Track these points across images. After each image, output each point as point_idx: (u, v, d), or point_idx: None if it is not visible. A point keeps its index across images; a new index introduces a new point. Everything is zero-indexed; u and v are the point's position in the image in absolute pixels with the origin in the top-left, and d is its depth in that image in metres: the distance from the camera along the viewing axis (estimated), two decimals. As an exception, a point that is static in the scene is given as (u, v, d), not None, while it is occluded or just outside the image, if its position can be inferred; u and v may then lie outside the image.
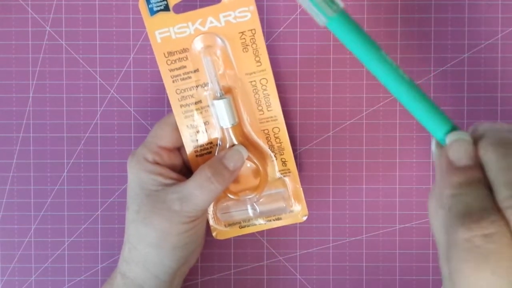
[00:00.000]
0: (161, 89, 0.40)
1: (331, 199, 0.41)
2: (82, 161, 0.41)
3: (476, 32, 0.40)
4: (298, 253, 0.41)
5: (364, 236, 0.41)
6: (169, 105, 0.40)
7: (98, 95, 0.40)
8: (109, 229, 0.41)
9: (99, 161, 0.41)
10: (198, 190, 0.34)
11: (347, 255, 0.41)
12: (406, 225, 0.41)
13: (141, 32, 0.40)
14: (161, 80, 0.40)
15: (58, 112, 0.41)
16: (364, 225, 0.41)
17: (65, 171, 0.41)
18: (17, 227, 0.41)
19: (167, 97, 0.40)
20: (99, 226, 0.41)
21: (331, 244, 0.41)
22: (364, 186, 0.41)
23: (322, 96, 0.40)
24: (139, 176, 0.35)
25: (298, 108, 0.40)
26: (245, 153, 0.35)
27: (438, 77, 0.40)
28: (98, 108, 0.41)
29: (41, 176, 0.41)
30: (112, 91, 0.40)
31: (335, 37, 0.40)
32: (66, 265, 0.41)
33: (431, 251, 0.41)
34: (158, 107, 0.40)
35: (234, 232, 0.39)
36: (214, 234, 0.39)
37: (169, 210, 0.34)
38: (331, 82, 0.40)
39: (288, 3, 0.40)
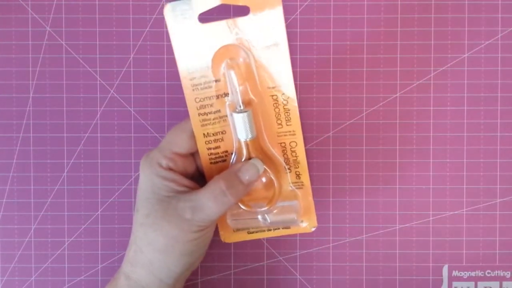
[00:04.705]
0: (161, 89, 0.40)
1: (331, 199, 0.41)
2: (82, 161, 0.41)
3: (476, 32, 0.40)
4: (298, 253, 0.41)
5: (364, 236, 0.41)
6: (169, 105, 0.40)
7: (98, 95, 0.40)
8: (109, 229, 0.41)
9: (99, 161, 0.41)
10: (211, 201, 0.33)
11: (347, 255, 0.41)
12: (406, 225, 0.41)
13: (141, 32, 0.40)
14: (161, 80, 0.40)
15: (58, 112, 0.41)
16: (364, 225, 0.41)
17: (65, 171, 0.41)
18: (17, 227, 0.41)
19: (167, 97, 0.41)
20: (99, 226, 0.41)
21: (331, 244, 0.41)
22: (364, 186, 0.41)
23: (322, 96, 0.40)
24: (152, 180, 0.35)
25: (298, 108, 0.40)
26: (261, 167, 0.35)
27: (438, 77, 0.40)
28: (98, 108, 0.41)
29: (41, 176, 0.41)
30: (112, 91, 0.40)
31: (335, 37, 0.40)
32: (66, 265, 0.41)
33: (431, 251, 0.41)
34: (158, 107, 0.40)
35: (242, 236, 0.39)
36: (222, 237, 0.39)
37: (180, 218, 0.33)
38: (331, 82, 0.40)
39: (288, 3, 0.40)
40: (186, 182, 0.35)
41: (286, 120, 0.36)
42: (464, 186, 0.41)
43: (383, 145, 0.40)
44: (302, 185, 0.37)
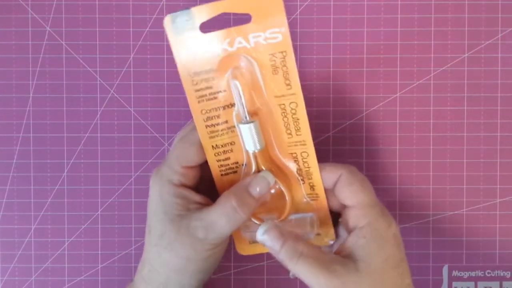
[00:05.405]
0: (161, 89, 0.40)
1: (331, 199, 0.41)
2: (82, 161, 0.41)
3: (476, 32, 0.40)
4: (298, 253, 0.41)
5: (364, 236, 0.41)
6: (169, 105, 0.41)
7: (98, 95, 0.40)
8: (109, 229, 0.41)
9: (99, 161, 0.41)
10: (223, 219, 0.33)
11: (347, 255, 0.41)
12: (406, 225, 0.41)
13: (141, 32, 0.40)
14: (162, 80, 0.40)
15: (58, 112, 0.41)
16: (364, 225, 0.41)
17: (65, 171, 0.41)
18: (17, 227, 0.41)
19: (167, 97, 0.41)
20: (99, 226, 0.41)
21: (331, 244, 0.41)
22: (364, 186, 0.41)
23: (322, 96, 0.40)
24: (163, 199, 0.34)
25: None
26: (271, 179, 0.34)
27: (438, 77, 0.40)
28: (98, 108, 0.41)
29: (41, 176, 0.41)
30: (112, 91, 0.41)
31: (335, 37, 0.40)
32: (66, 265, 0.41)
33: (431, 251, 0.41)
34: (158, 107, 0.40)
35: (259, 249, 0.38)
36: (238, 249, 0.38)
37: (193, 238, 0.33)
38: (331, 82, 0.40)
39: (288, 3, 0.40)
40: (197, 198, 0.34)
41: (295, 130, 0.34)
42: (464, 186, 0.41)
43: (383, 145, 0.40)
44: (317, 196, 0.36)
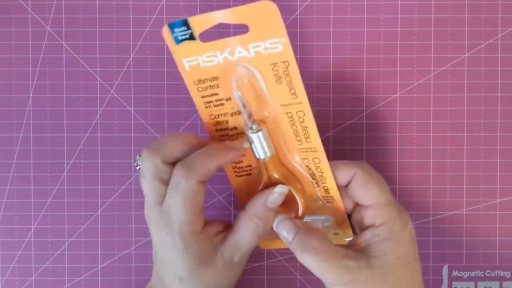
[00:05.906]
0: (161, 89, 0.40)
1: (331, 199, 0.41)
2: (82, 161, 0.41)
3: (476, 32, 0.40)
4: (298, 253, 0.41)
5: (364, 236, 0.41)
6: (169, 105, 0.41)
7: (98, 95, 0.40)
8: (109, 229, 0.41)
9: (99, 161, 0.41)
10: (250, 239, 0.34)
11: (347, 255, 0.41)
12: (406, 225, 0.41)
13: (141, 32, 0.40)
14: (162, 80, 0.40)
15: (58, 112, 0.41)
16: (364, 225, 0.41)
17: (65, 171, 0.41)
18: (17, 227, 0.41)
19: (167, 97, 0.41)
20: (99, 226, 0.41)
21: (331, 244, 0.41)
22: (364, 186, 0.41)
23: (322, 96, 0.40)
24: (192, 258, 0.33)
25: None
26: (286, 189, 0.34)
27: (438, 77, 0.40)
28: (98, 108, 0.41)
29: (41, 176, 0.41)
30: (112, 91, 0.41)
31: (335, 37, 0.40)
32: (66, 265, 0.41)
33: (431, 251, 0.41)
34: (158, 107, 0.40)
35: (278, 244, 0.38)
36: (260, 244, 0.38)
37: (225, 266, 0.33)
38: (331, 82, 0.40)
39: (288, 3, 0.40)
40: (215, 228, 0.34)
41: (305, 138, 0.34)
42: (464, 186, 0.41)
43: (383, 145, 0.40)
44: (333, 199, 0.36)
